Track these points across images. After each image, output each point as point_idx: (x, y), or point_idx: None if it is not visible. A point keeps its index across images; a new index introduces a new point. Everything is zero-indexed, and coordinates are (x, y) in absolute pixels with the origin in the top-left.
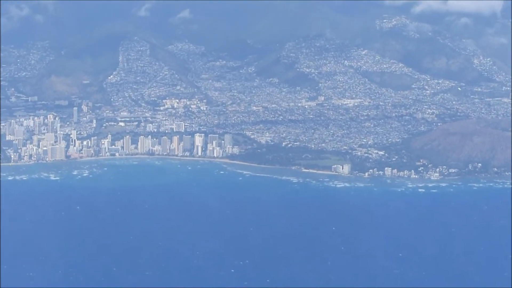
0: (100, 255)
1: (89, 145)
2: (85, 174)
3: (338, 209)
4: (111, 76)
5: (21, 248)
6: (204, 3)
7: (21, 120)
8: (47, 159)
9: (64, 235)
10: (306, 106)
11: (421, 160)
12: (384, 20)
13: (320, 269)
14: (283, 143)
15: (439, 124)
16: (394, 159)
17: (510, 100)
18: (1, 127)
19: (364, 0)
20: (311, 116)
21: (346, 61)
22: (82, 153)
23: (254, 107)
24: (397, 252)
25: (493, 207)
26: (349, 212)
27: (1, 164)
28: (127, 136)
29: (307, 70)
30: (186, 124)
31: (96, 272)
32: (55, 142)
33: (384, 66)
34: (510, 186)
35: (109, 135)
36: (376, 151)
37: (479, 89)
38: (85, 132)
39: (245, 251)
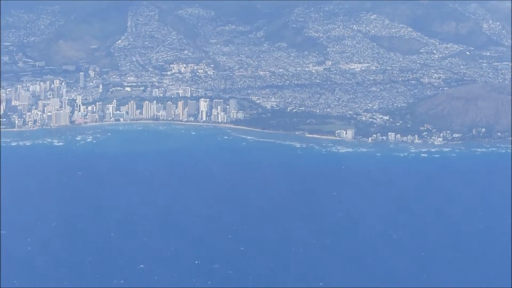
0: (98, 220)
1: (94, 110)
2: (88, 140)
3: (339, 174)
4: (119, 41)
5: (21, 213)
6: None
7: (27, 85)
8: (52, 124)
9: (63, 200)
10: (313, 71)
11: (425, 125)
12: None
13: (317, 234)
14: (288, 108)
15: (445, 88)
16: (398, 124)
17: None
18: (7, 92)
19: None
20: (318, 81)
21: (355, 25)
22: (86, 118)
23: (261, 72)
24: (395, 217)
25: (495, 172)
26: (350, 177)
27: (6, 129)
28: (132, 101)
29: (316, 34)
30: (192, 89)
31: (94, 237)
32: (60, 107)
33: (393, 30)
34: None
35: (115, 100)
36: (381, 116)
37: (488, 54)
38: (91, 97)
39: (244, 216)
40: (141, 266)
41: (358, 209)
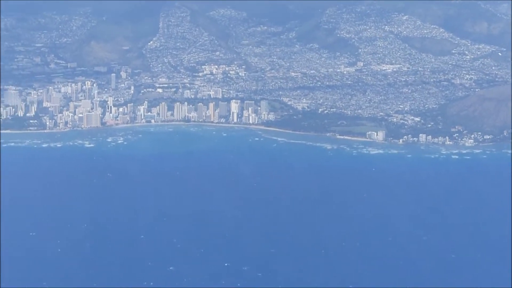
0: (128, 222)
1: (125, 112)
2: (119, 141)
3: (369, 176)
4: (151, 42)
5: (51, 215)
6: None
7: (59, 86)
8: (83, 126)
9: (93, 202)
10: (345, 72)
11: (456, 127)
12: None
13: (347, 235)
14: (320, 110)
15: (476, 89)
16: (429, 125)
17: None
18: (38, 93)
19: None
20: (349, 82)
21: (386, 26)
22: (117, 120)
23: (293, 73)
24: (425, 219)
25: None
26: (381, 179)
27: (37, 131)
28: (163, 103)
29: (347, 35)
30: (224, 90)
31: (124, 239)
32: (91, 109)
33: (425, 31)
34: None
35: (146, 102)
36: (412, 117)
37: None
38: (122, 98)
39: (274, 218)
40: (170, 268)
41: (388, 210)
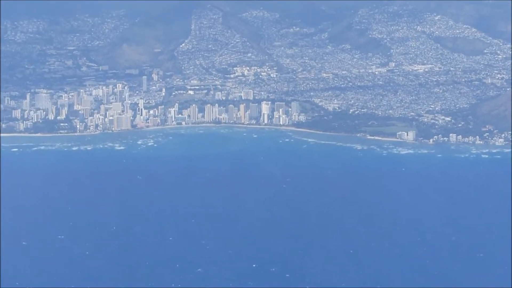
0: (157, 224)
1: (156, 114)
2: (150, 144)
3: (399, 176)
4: (183, 44)
5: (80, 217)
6: None
7: (90, 89)
8: (113, 128)
9: (123, 204)
10: (376, 72)
11: (487, 126)
12: None
13: (375, 235)
14: (351, 110)
15: (508, 89)
16: (460, 125)
17: None
18: (70, 97)
19: None
20: (381, 83)
21: (418, 26)
22: (148, 122)
23: (324, 74)
24: (454, 218)
25: None
26: (410, 178)
27: (67, 134)
28: (194, 105)
29: (379, 36)
30: (255, 91)
31: (153, 240)
32: (122, 111)
33: (457, 31)
34: None
35: (176, 104)
36: (443, 117)
37: None
38: (153, 101)
39: (303, 218)
40: (198, 270)
41: (417, 210)
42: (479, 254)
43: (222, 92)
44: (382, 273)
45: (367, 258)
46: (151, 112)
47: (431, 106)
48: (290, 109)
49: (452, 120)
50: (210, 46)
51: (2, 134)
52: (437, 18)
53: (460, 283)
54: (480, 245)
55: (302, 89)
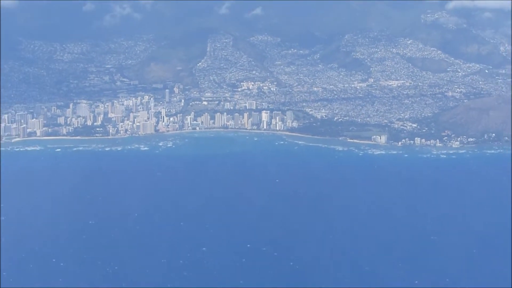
0: (171, 212)
1: (175, 121)
2: (169, 145)
3: (371, 172)
4: (200, 63)
5: (108, 207)
6: (273, 2)
7: (122, 100)
8: (139, 133)
9: (144, 196)
10: (358, 87)
11: (446, 131)
12: (428, 15)
13: (349, 218)
14: (335, 118)
15: (465, 101)
16: (424, 130)
17: None
18: (105, 106)
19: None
20: (361, 95)
21: (394, 49)
22: (168, 127)
23: (315, 88)
24: (413, 205)
25: (500, 169)
26: (380, 174)
27: (102, 137)
28: (206, 113)
29: (361, 56)
30: (258, 102)
31: (166, 225)
32: (148, 118)
33: (426, 53)
34: None
35: (192, 112)
36: (410, 123)
37: (503, 71)
38: (173, 110)
39: (290, 205)
40: (203, 248)
41: (384, 198)
42: (433, 236)
43: (231, 102)
44: (353, 249)
45: (345, 239)
46: (171, 119)
47: (401, 114)
48: (285, 117)
49: (418, 126)
50: (222, 64)
51: (48, 137)
52: (409, 42)
53: (414, 258)
54: (433, 228)
55: (296, 100)
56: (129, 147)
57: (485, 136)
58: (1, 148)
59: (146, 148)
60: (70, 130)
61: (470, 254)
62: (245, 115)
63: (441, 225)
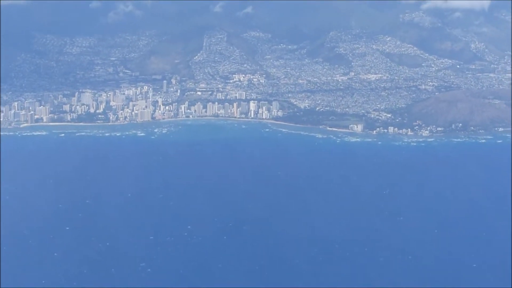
0: (162, 191)
1: (171, 109)
2: (164, 131)
3: (346, 157)
4: (196, 56)
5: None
6: (264, 2)
7: (123, 90)
8: (137, 120)
9: (139, 176)
10: (339, 80)
11: (417, 121)
12: (406, 14)
13: (325, 197)
14: (317, 108)
15: (436, 93)
16: (397, 120)
17: (495, 75)
18: (108, 95)
19: (388, 0)
20: (342, 87)
21: (374, 45)
22: (164, 115)
23: (300, 80)
24: (380, 185)
25: (464, 155)
26: (355, 159)
27: (103, 123)
28: (199, 103)
29: (344, 52)
30: (247, 93)
31: (157, 204)
32: (146, 107)
33: (403, 49)
34: (482, 140)
35: (187, 102)
36: (385, 114)
37: (473, 67)
38: (170, 99)
39: (270, 188)
40: (188, 227)
41: (357, 179)
42: (399, 217)
43: (222, 93)
44: (326, 227)
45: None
46: (167, 107)
47: (378, 105)
48: (271, 106)
49: (392, 116)
50: (216, 58)
51: (53, 123)
52: (388, 39)
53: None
54: (400, 206)
55: (283, 91)
56: (127, 133)
57: (453, 126)
58: (10, 133)
59: (142, 134)
60: (74, 117)
61: (433, 233)
62: (235, 104)
63: (407, 205)
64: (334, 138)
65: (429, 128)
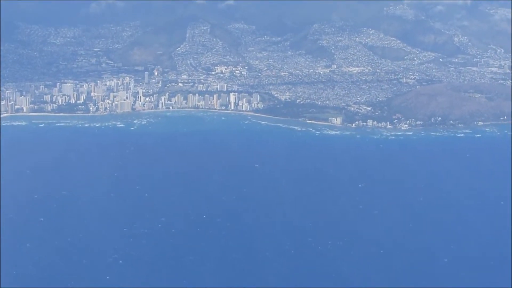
0: (138, 183)
1: (151, 100)
2: (143, 123)
3: (324, 150)
4: (179, 48)
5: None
6: None
7: (105, 81)
8: (118, 111)
9: (116, 167)
10: (321, 72)
11: (397, 114)
12: (390, 7)
13: (300, 188)
14: (297, 100)
15: (417, 87)
16: (377, 113)
17: (477, 69)
18: (89, 86)
19: None
20: (323, 80)
21: (357, 38)
22: (144, 106)
23: (282, 73)
24: (357, 177)
25: (441, 149)
26: (333, 152)
27: (83, 114)
28: (179, 94)
29: (327, 44)
30: (228, 85)
31: (133, 195)
32: (126, 98)
33: (386, 42)
34: (461, 134)
35: (167, 93)
36: (365, 107)
37: (456, 60)
38: (151, 90)
39: (247, 180)
40: (162, 219)
41: (333, 171)
42: (373, 211)
43: (204, 85)
44: (298, 217)
45: (295, 210)
46: (148, 99)
47: (358, 98)
48: (251, 98)
49: (372, 109)
50: (199, 50)
51: (34, 114)
52: (371, 32)
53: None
54: (374, 199)
55: (264, 83)
56: (106, 124)
57: (432, 120)
58: None
59: (122, 125)
60: (55, 107)
61: (406, 227)
62: (215, 96)
63: (381, 199)
64: (313, 131)
65: (408, 121)
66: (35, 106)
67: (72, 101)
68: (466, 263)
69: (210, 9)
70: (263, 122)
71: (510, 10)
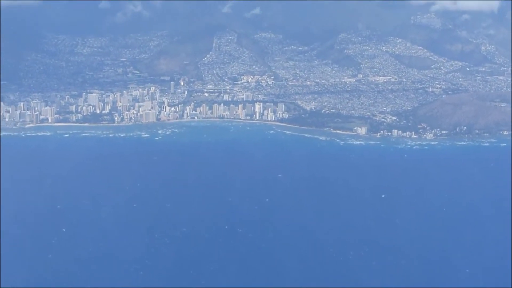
0: (161, 192)
1: (176, 110)
2: (167, 133)
3: (349, 160)
4: (205, 57)
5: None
6: (273, 2)
7: (131, 91)
8: (142, 121)
9: (140, 176)
10: (347, 82)
11: (422, 124)
12: (418, 16)
13: (323, 198)
14: (323, 110)
15: (443, 96)
16: (402, 123)
17: (504, 78)
18: (115, 96)
19: (399, 0)
20: (349, 89)
21: (384, 47)
22: (169, 116)
23: (308, 82)
24: (382, 186)
25: (468, 159)
26: (357, 162)
27: (108, 124)
28: (204, 104)
29: (353, 53)
30: (254, 95)
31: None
32: (151, 108)
33: (413, 51)
34: (486, 144)
35: (193, 103)
36: (391, 116)
37: (483, 69)
38: (177, 100)
39: (270, 190)
40: (183, 229)
41: (357, 181)
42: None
43: (230, 94)
44: (323, 227)
45: (318, 220)
46: (173, 109)
47: (384, 108)
48: (277, 108)
49: (397, 119)
50: (225, 59)
51: (59, 124)
52: (398, 41)
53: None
54: (397, 209)
55: (290, 93)
56: (131, 134)
57: (457, 129)
58: (14, 133)
59: (146, 135)
60: (80, 118)
61: (429, 237)
62: (240, 106)
63: (405, 209)
64: (338, 140)
65: (433, 131)
66: (60, 117)
67: (98, 111)
68: (488, 275)
69: (236, 18)
70: (287, 132)
71: None
